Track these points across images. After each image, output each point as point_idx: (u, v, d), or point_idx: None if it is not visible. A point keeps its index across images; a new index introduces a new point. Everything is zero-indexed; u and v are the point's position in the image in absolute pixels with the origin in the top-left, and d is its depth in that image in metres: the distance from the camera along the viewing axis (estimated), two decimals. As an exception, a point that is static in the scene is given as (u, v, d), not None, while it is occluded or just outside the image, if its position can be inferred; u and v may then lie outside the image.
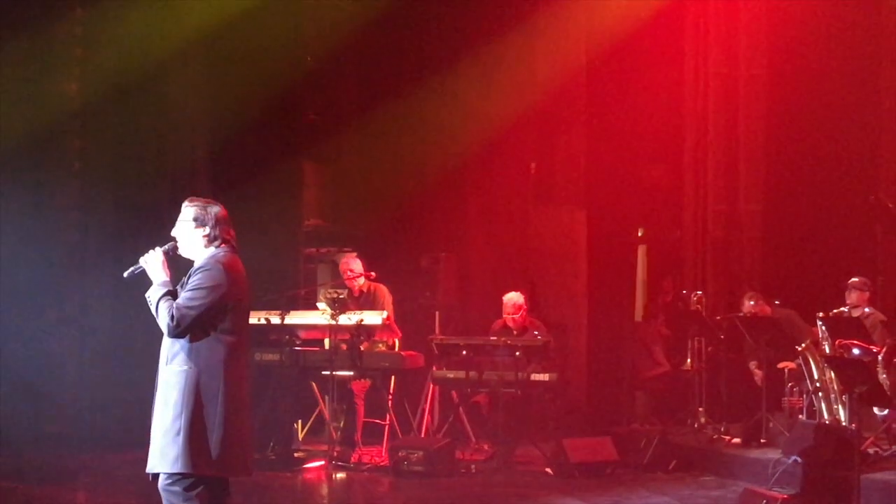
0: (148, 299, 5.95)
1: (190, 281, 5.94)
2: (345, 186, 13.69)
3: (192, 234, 6.05)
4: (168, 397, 5.87)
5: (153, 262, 6.00)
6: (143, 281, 6.03)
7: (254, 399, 10.48)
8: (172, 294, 5.92)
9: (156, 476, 5.94)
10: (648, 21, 13.00)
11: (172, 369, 5.89)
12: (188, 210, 6.09)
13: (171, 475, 5.86)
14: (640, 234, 12.88)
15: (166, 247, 6.07)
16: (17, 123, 11.41)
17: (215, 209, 6.09)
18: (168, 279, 5.97)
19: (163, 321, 5.86)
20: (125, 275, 6.09)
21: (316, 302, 11.69)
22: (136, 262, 6.04)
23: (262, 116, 12.25)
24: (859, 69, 12.95)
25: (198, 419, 5.82)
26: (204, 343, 5.88)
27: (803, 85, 13.23)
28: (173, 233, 6.10)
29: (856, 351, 9.32)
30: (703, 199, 13.81)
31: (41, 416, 11.52)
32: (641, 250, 12.83)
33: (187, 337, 5.86)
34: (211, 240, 6.04)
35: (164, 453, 5.85)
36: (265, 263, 11.50)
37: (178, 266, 6.11)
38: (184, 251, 6.08)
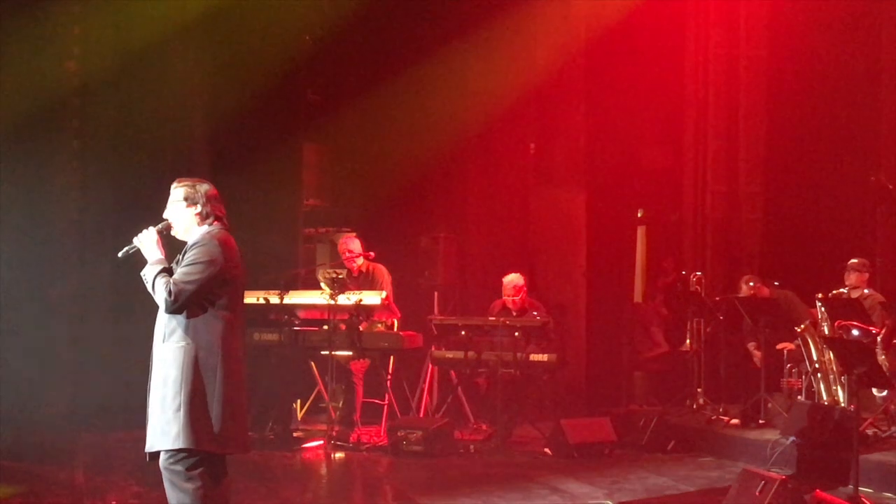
0: (143, 277, 5.95)
1: (185, 257, 5.95)
2: (344, 167, 13.67)
3: (183, 213, 6.05)
4: (167, 374, 5.88)
5: (147, 241, 6.01)
6: (142, 259, 6.03)
7: (253, 379, 10.54)
8: (168, 271, 5.92)
9: (154, 455, 5.94)
10: (648, 2, 12.94)
11: (170, 346, 5.89)
12: (178, 191, 6.09)
13: (172, 453, 5.86)
14: (639, 215, 12.86)
15: (160, 226, 6.07)
16: (15, 102, 11.37)
17: (205, 187, 6.09)
18: (163, 257, 5.98)
19: (160, 297, 5.87)
20: (119, 255, 6.11)
21: (315, 282, 11.67)
22: (131, 242, 6.05)
23: (262, 96, 12.21)
24: (860, 50, 12.92)
25: (198, 394, 5.83)
26: (201, 319, 5.88)
27: (804, 66, 13.22)
28: (165, 214, 6.10)
29: (855, 332, 9.33)
30: (702, 180, 13.81)
31: (40, 395, 11.51)
32: (641, 231, 12.82)
33: (184, 313, 5.86)
34: (203, 217, 6.04)
35: (164, 430, 5.85)
36: (264, 243, 11.54)
37: (174, 249, 6.10)
38: (177, 232, 6.08)
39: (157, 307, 5.97)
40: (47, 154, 11.85)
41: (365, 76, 13.12)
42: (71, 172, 11.98)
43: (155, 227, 6.06)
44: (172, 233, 6.10)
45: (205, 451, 5.85)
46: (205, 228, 6.03)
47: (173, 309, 5.85)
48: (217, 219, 6.07)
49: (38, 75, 11.65)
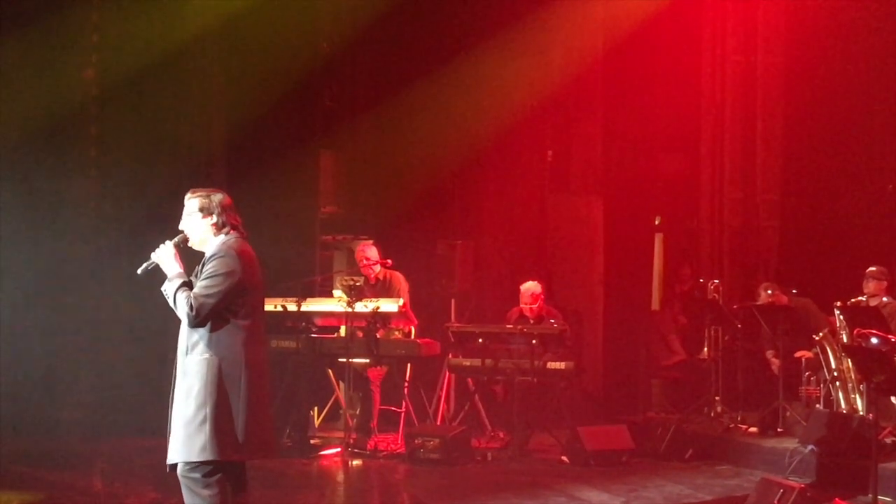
0: (164, 292, 5.97)
1: (204, 269, 5.95)
2: (361, 174, 13.67)
3: (199, 224, 6.06)
4: (190, 387, 5.89)
5: (165, 256, 6.02)
6: (159, 272, 6.05)
7: (270, 386, 10.54)
8: (188, 284, 5.93)
9: (174, 466, 5.95)
10: (665, 9, 12.96)
11: (193, 358, 5.90)
12: (192, 202, 6.10)
13: (191, 462, 5.87)
14: (656, 223, 12.84)
15: (176, 239, 6.07)
16: (33, 110, 11.41)
17: (219, 196, 6.10)
18: (182, 270, 5.99)
19: (182, 312, 5.88)
20: (139, 272, 6.11)
21: (332, 289, 11.69)
22: (149, 256, 6.06)
23: (279, 104, 12.24)
24: (877, 56, 12.89)
25: (223, 406, 5.83)
26: (223, 330, 5.89)
27: (821, 73, 13.20)
28: (181, 226, 6.10)
29: (874, 340, 9.27)
30: (719, 187, 13.81)
31: (58, 403, 11.54)
32: (658, 239, 12.79)
33: (207, 325, 5.87)
34: (219, 227, 6.05)
35: (188, 443, 5.85)
36: (282, 251, 11.54)
37: (191, 260, 6.11)
38: (194, 243, 6.09)
39: (175, 316, 5.98)
40: (65, 162, 11.88)
41: (382, 84, 13.13)
42: (89, 180, 12.00)
43: (171, 240, 6.07)
44: (189, 244, 6.11)
45: (230, 461, 5.87)
46: (221, 238, 6.03)
47: (196, 323, 5.86)
48: (233, 227, 6.07)
49: (57, 84, 11.69)
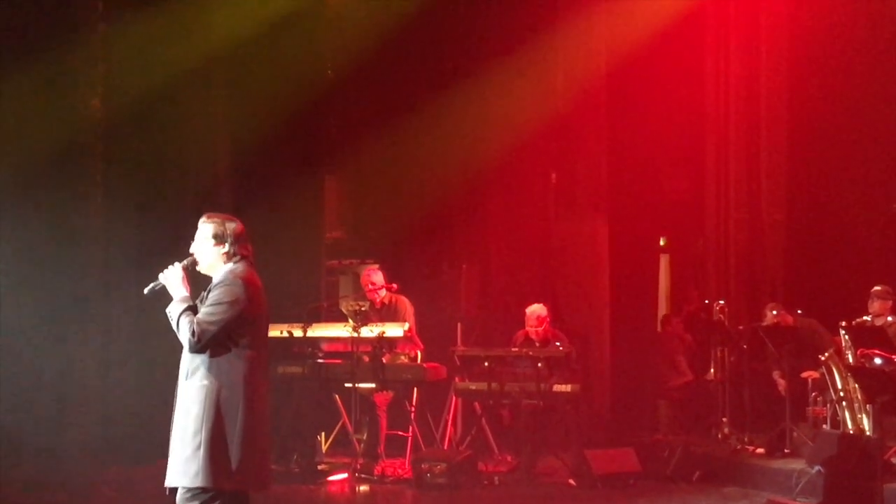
0: (169, 315, 5.99)
1: (209, 296, 5.97)
2: (366, 199, 13.72)
3: (210, 250, 6.08)
4: (189, 412, 5.91)
5: (173, 278, 6.05)
6: (165, 296, 6.08)
7: (277, 412, 10.57)
8: (193, 309, 5.96)
9: (174, 490, 5.97)
10: (669, 29, 12.97)
11: (193, 384, 5.93)
12: (207, 227, 6.12)
13: (190, 489, 5.89)
14: (662, 244, 12.85)
15: (185, 262, 6.10)
16: (40, 140, 11.44)
17: (233, 225, 6.12)
18: (188, 294, 6.02)
19: (184, 336, 5.91)
20: (145, 291, 6.14)
21: (338, 313, 11.69)
22: (157, 278, 6.09)
23: (284, 130, 12.29)
24: (882, 76, 12.88)
25: (218, 433, 5.85)
26: (224, 357, 5.91)
27: (825, 93, 13.20)
28: (192, 249, 6.14)
29: (877, 360, 9.28)
30: (724, 207, 13.79)
31: (63, 429, 11.54)
32: (664, 260, 12.80)
33: (208, 352, 5.90)
34: (230, 256, 6.08)
35: (184, 467, 5.88)
36: (287, 276, 11.57)
37: (198, 282, 6.15)
38: (203, 267, 6.12)
39: (180, 343, 6.01)
40: (72, 191, 11.90)
41: (386, 108, 13.17)
42: (95, 209, 12.03)
43: (181, 262, 6.10)
44: (198, 268, 6.14)
45: (222, 489, 5.88)
46: (229, 266, 6.06)
47: (197, 349, 5.89)
48: (243, 257, 6.10)
49: (63, 113, 11.72)
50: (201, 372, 5.91)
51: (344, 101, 13.37)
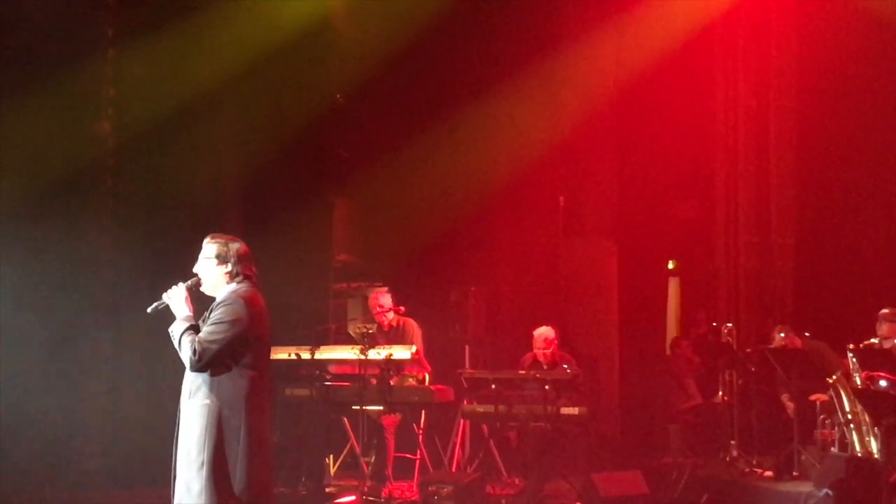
0: (171, 333, 6.04)
1: (211, 315, 6.02)
2: (374, 222, 13.74)
3: (213, 270, 6.14)
4: (191, 431, 5.96)
5: (176, 298, 6.09)
6: (171, 315, 6.11)
7: (284, 434, 10.57)
8: (195, 328, 6.00)
9: (181, 510, 6.00)
10: (678, 53, 13.00)
11: (195, 403, 5.96)
12: (210, 247, 6.17)
13: (194, 508, 5.91)
14: (670, 267, 12.84)
15: (189, 282, 6.16)
16: (50, 163, 11.51)
17: (236, 246, 6.17)
18: (191, 314, 6.06)
19: (185, 355, 5.95)
20: (149, 310, 6.19)
21: (346, 336, 11.70)
22: (160, 297, 6.13)
23: (293, 153, 12.34)
24: (892, 100, 12.90)
25: (220, 453, 5.89)
26: (226, 377, 5.95)
27: (834, 116, 13.21)
28: (195, 269, 6.18)
29: (883, 382, 9.24)
30: (734, 231, 13.79)
31: (74, 455, 11.56)
32: (673, 283, 12.78)
33: (209, 371, 5.93)
34: (233, 276, 6.13)
35: (188, 487, 5.93)
36: (295, 299, 11.58)
37: (203, 302, 6.18)
38: (206, 288, 6.16)
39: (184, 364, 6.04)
40: (82, 214, 11.95)
41: (394, 132, 13.21)
42: (105, 231, 12.08)
43: (185, 282, 6.14)
44: (201, 288, 6.18)
45: (223, 508, 5.91)
46: (232, 286, 6.11)
47: (198, 367, 5.93)
48: (246, 277, 6.14)
49: (73, 136, 11.80)
50: (203, 391, 5.95)
51: (353, 125, 13.40)
